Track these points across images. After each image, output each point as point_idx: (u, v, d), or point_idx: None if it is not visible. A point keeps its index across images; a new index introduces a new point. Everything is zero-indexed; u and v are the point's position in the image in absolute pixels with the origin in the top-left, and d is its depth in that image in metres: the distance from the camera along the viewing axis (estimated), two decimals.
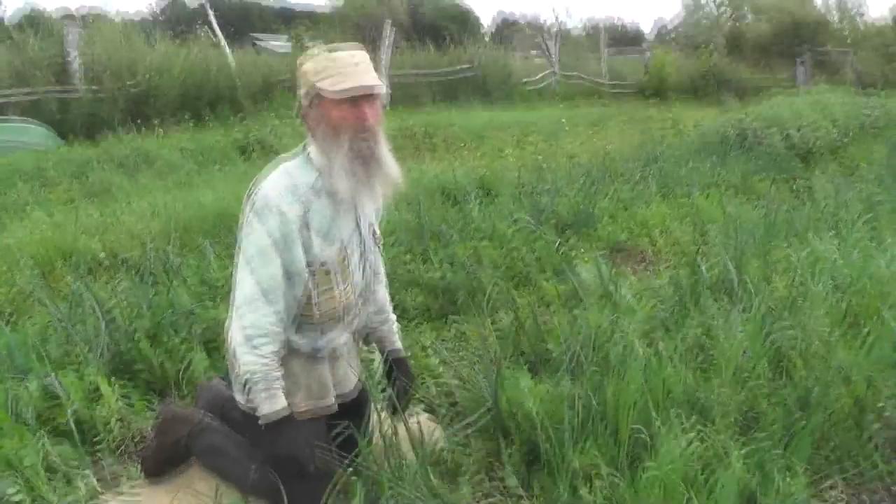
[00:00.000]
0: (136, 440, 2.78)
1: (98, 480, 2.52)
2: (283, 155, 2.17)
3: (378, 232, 2.35)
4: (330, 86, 1.96)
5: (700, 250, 3.96)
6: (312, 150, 2.09)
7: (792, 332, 2.82)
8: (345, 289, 2.16)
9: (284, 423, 2.03)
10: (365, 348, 2.64)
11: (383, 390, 2.43)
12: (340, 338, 2.23)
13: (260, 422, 2.03)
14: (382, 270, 2.45)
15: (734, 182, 6.87)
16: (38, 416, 2.69)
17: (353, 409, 2.36)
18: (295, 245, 2.02)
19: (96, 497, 2.43)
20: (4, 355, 2.92)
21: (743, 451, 2.18)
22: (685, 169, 7.15)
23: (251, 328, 2.00)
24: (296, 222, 2.01)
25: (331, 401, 2.27)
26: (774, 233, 4.45)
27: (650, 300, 3.41)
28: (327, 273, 2.10)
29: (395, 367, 2.46)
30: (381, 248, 2.39)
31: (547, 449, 2.41)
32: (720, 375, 2.50)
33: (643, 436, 2.26)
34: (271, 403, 2.01)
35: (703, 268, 3.52)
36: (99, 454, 2.68)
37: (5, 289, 4.06)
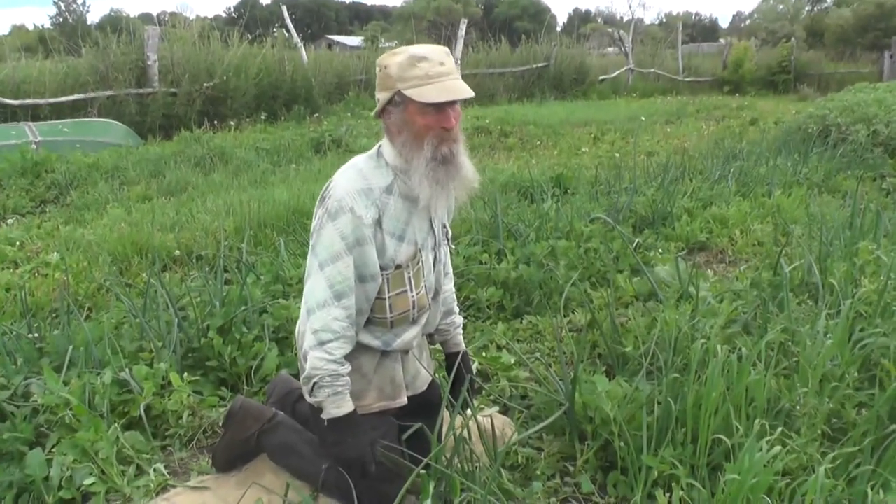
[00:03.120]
0: (206, 433, 2.81)
1: (169, 471, 2.56)
2: (357, 156, 2.14)
3: (450, 230, 2.30)
4: (418, 95, 1.89)
5: (783, 251, 3.78)
6: (387, 151, 2.05)
7: (885, 338, 2.66)
8: (418, 291, 2.13)
9: (349, 423, 2.01)
10: (431, 346, 2.60)
11: (449, 390, 2.38)
12: (411, 335, 2.19)
13: (324, 422, 2.01)
14: (451, 269, 2.41)
15: (817, 180, 6.62)
16: (112, 408, 2.74)
17: (425, 405, 2.32)
18: (368, 248, 1.99)
19: (166, 487, 2.47)
20: (81, 350, 2.98)
21: (830, 464, 2.05)
22: (766, 167, 6.91)
23: (322, 330, 1.98)
24: (370, 225, 1.98)
25: (404, 400, 2.24)
26: (862, 233, 4.24)
27: (732, 302, 3.28)
28: (401, 275, 2.07)
29: (462, 365, 2.42)
30: (452, 244, 2.35)
31: (624, 453, 2.33)
32: (805, 382, 2.36)
33: (724, 444, 2.16)
34: (337, 405, 2.00)
35: (787, 269, 3.35)
36: (170, 446, 2.72)
37: (85, 284, 4.17)
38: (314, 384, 1.99)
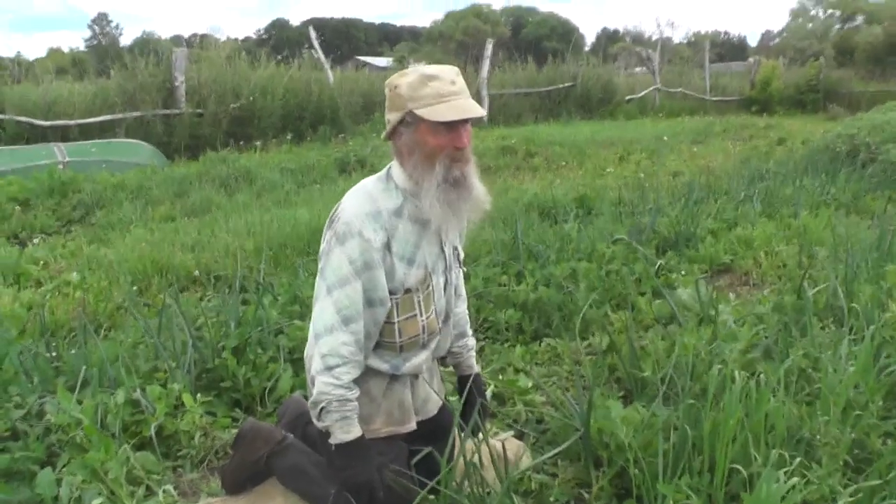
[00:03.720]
0: (218, 454, 2.79)
1: (178, 492, 2.54)
2: (366, 178, 2.11)
3: (461, 252, 2.27)
4: (430, 114, 1.86)
5: (807, 273, 3.70)
6: (397, 173, 2.02)
7: None
8: (428, 315, 2.10)
9: (356, 448, 1.99)
10: (443, 369, 2.57)
11: (462, 414, 2.34)
12: (420, 359, 2.16)
13: (332, 447, 1.99)
14: (464, 291, 2.38)
15: (845, 201, 6.50)
16: (124, 428, 2.73)
17: (436, 430, 2.28)
18: (377, 272, 1.97)
19: None
20: (95, 370, 2.99)
21: (852, 497, 1.98)
22: (792, 187, 6.81)
23: (330, 355, 1.95)
24: (378, 249, 1.95)
25: (413, 425, 2.21)
26: (890, 255, 4.14)
27: (753, 326, 3.21)
28: (410, 300, 2.04)
29: (474, 388, 2.38)
30: (463, 266, 2.32)
31: (639, 480, 2.27)
32: (827, 410, 2.29)
33: (742, 473, 2.09)
34: (345, 430, 1.97)
35: (810, 292, 3.28)
36: (181, 467, 2.71)
37: (104, 303, 4.20)
38: (322, 409, 1.97)
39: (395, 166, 2.04)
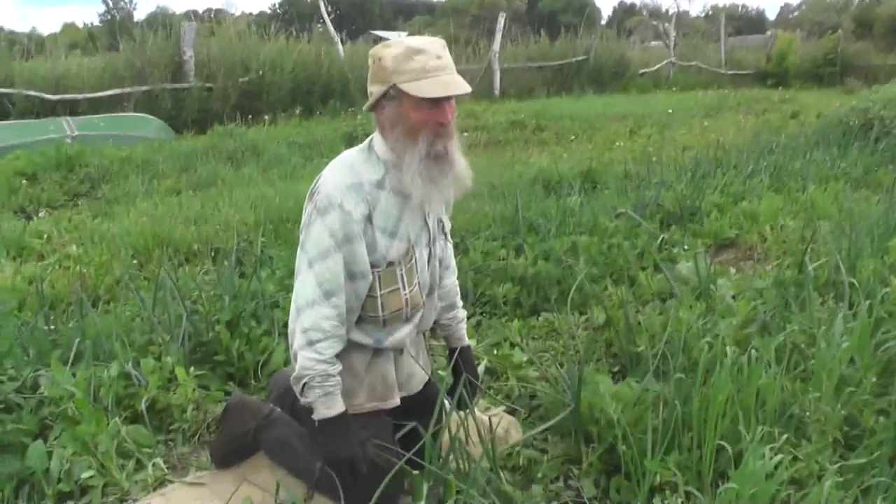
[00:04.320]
0: (210, 427, 2.80)
1: (168, 466, 2.55)
2: (348, 150, 2.08)
3: (447, 224, 2.24)
4: (415, 89, 1.82)
5: (810, 248, 3.64)
6: (379, 145, 1.99)
7: None
8: (411, 289, 2.07)
9: (338, 423, 1.98)
10: (433, 342, 2.55)
11: (450, 388, 2.32)
12: (403, 333, 2.14)
13: (315, 422, 1.98)
14: (453, 263, 2.36)
15: (856, 175, 6.40)
16: (117, 401, 2.74)
17: (421, 405, 2.27)
18: (358, 245, 1.94)
19: (164, 482, 2.46)
20: (88, 343, 2.99)
21: (841, 474, 1.95)
22: (801, 161, 6.71)
23: (312, 329, 1.94)
24: (360, 221, 1.93)
25: (396, 401, 2.19)
26: None
27: (751, 300, 3.16)
28: (393, 273, 2.02)
29: (462, 362, 2.37)
30: (450, 239, 2.29)
31: (627, 457, 2.25)
32: (820, 386, 2.25)
33: (733, 449, 2.06)
34: (327, 405, 1.96)
35: (811, 267, 3.23)
36: (172, 440, 2.72)
37: (105, 277, 4.20)
38: (304, 384, 1.96)
39: (376, 138, 2.01)
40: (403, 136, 1.91)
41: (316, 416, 1.98)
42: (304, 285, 1.96)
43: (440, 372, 2.97)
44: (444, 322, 2.37)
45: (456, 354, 2.37)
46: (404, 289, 2.05)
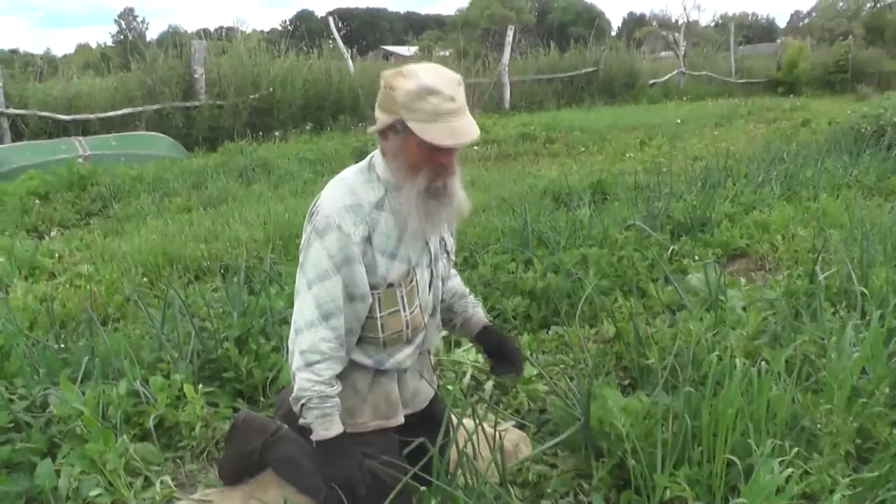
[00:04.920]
0: (219, 445, 2.79)
1: (176, 483, 2.55)
2: (347, 169, 2.06)
3: (450, 242, 2.22)
4: (422, 132, 1.78)
5: (821, 257, 3.61)
6: (380, 165, 1.97)
7: None
8: (412, 311, 2.05)
9: (336, 445, 1.97)
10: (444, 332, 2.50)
11: (489, 370, 2.26)
12: (404, 354, 2.12)
13: (313, 443, 1.98)
14: (453, 271, 2.34)
15: (868, 183, 6.35)
16: (126, 419, 2.75)
17: (426, 420, 2.26)
18: (358, 266, 1.93)
19: (172, 499, 2.46)
20: (97, 361, 3.00)
21: (853, 487, 1.92)
22: (813, 169, 6.66)
23: (309, 351, 1.93)
24: (358, 243, 1.91)
25: (401, 419, 2.18)
26: None
27: (762, 311, 3.13)
28: (393, 294, 2.01)
29: (492, 337, 2.34)
30: (452, 257, 2.27)
31: (637, 472, 2.23)
32: (831, 398, 2.22)
33: (743, 463, 2.04)
34: (325, 426, 1.95)
35: (822, 276, 3.19)
36: (181, 458, 2.72)
37: (116, 295, 4.22)
38: (302, 405, 1.95)
39: (378, 157, 1.99)
40: (405, 168, 1.89)
41: (314, 437, 1.97)
42: (303, 306, 1.95)
43: (448, 387, 2.96)
44: (459, 309, 2.34)
45: (484, 336, 2.33)
46: (405, 310, 2.03)
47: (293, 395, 1.97)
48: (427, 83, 1.79)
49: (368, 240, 1.94)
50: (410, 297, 2.04)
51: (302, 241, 2.00)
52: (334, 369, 1.96)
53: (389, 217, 1.96)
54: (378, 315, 2.00)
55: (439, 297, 2.20)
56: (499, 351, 2.33)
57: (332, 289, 1.91)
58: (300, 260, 1.99)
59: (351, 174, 2.01)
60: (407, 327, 2.05)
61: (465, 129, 1.82)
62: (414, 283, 2.04)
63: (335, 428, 1.96)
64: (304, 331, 1.94)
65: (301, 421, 1.98)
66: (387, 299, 2.00)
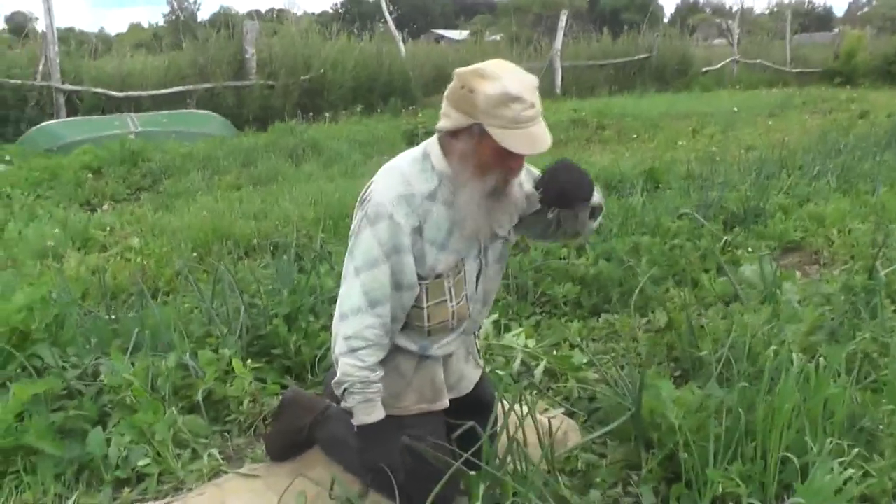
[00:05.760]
0: (266, 420, 2.81)
1: (224, 457, 2.57)
2: (401, 156, 2.02)
3: (506, 228, 2.13)
4: (502, 138, 1.75)
5: (881, 252, 3.50)
6: (436, 156, 1.93)
7: None
8: (459, 301, 2.03)
9: (378, 430, 1.96)
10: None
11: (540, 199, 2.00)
12: (449, 340, 2.10)
13: (354, 426, 1.98)
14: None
15: None
16: (174, 392, 2.78)
17: (472, 404, 2.23)
18: (406, 256, 1.91)
19: (219, 472, 2.48)
20: (147, 333, 3.05)
21: None
22: (871, 162, 6.47)
23: (354, 337, 1.91)
24: (409, 233, 1.89)
25: (445, 403, 2.16)
26: None
27: (818, 306, 3.05)
28: (440, 285, 1.98)
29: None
30: (511, 237, 2.19)
31: (689, 465, 2.18)
32: (893, 399, 2.15)
33: (798, 461, 1.98)
34: (367, 412, 1.95)
35: (883, 272, 3.09)
36: (228, 432, 2.74)
37: (166, 269, 4.28)
38: (345, 390, 1.94)
39: (435, 147, 1.94)
40: (472, 168, 1.86)
41: (355, 422, 1.97)
42: (350, 292, 1.94)
43: (498, 372, 2.94)
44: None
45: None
46: (451, 301, 2.01)
47: (336, 379, 1.96)
48: (510, 90, 1.75)
49: (419, 230, 1.91)
50: (458, 288, 2.01)
51: (352, 226, 1.98)
52: (378, 356, 1.94)
53: (441, 208, 1.93)
54: (424, 305, 1.98)
55: (493, 286, 2.16)
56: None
57: (381, 276, 1.90)
58: (349, 245, 1.97)
59: (405, 163, 1.98)
60: (452, 317, 2.03)
61: (543, 136, 1.80)
62: (462, 274, 2.01)
63: (377, 413, 1.95)
64: (349, 316, 1.92)
65: (343, 405, 1.98)
66: (434, 290, 1.98)
